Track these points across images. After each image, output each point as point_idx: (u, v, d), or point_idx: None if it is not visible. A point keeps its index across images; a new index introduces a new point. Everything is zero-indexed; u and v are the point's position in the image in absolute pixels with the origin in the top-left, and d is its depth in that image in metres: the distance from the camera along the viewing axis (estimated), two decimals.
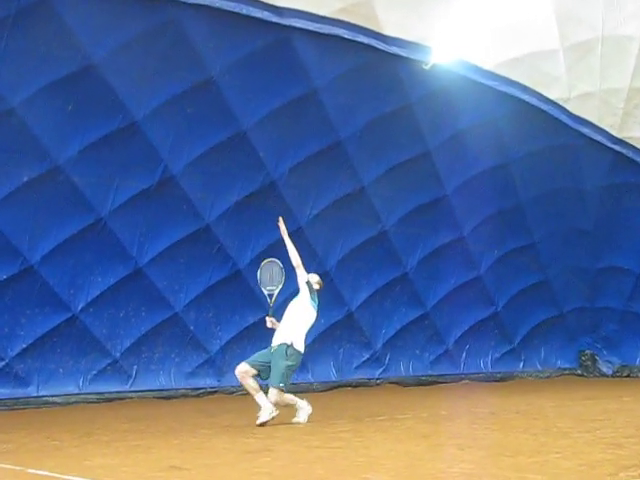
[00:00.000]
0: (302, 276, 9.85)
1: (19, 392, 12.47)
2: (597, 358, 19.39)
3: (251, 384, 9.46)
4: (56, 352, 12.80)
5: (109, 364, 13.36)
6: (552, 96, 14.49)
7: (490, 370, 18.25)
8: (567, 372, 19.41)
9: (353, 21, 12.37)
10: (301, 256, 9.91)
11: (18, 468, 6.70)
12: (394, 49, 12.92)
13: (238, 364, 9.62)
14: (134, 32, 11.30)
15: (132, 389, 13.60)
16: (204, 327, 14.28)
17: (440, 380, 17.29)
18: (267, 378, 9.51)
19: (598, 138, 15.36)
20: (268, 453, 7.33)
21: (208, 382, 14.44)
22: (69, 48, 10.95)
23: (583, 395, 14.28)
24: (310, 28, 12.16)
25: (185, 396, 14.03)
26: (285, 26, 12.02)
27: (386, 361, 16.71)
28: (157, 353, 13.91)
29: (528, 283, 18.00)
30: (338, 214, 14.80)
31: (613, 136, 15.38)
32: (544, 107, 14.58)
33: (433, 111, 14.17)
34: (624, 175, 16.26)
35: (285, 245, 9.97)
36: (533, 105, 14.50)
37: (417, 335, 17.03)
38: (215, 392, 14.39)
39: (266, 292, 10.01)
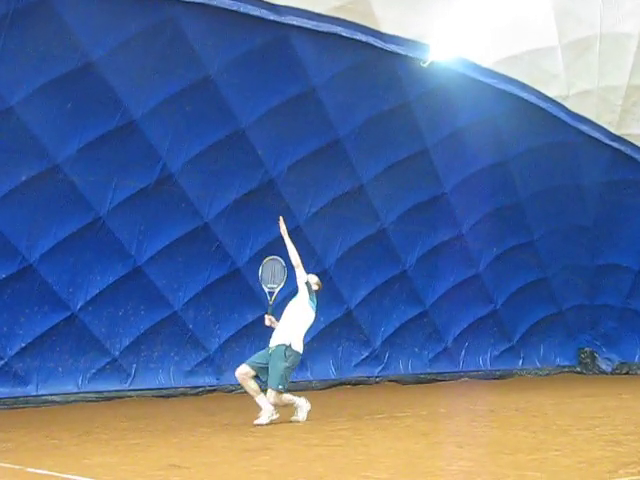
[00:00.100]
0: (301, 276, 9.81)
1: (18, 391, 12.47)
2: (596, 355, 19.40)
3: (252, 386, 9.44)
4: (55, 351, 12.80)
5: (108, 363, 13.36)
6: (551, 94, 14.49)
7: (489, 368, 18.26)
8: (566, 370, 19.42)
9: (350, 19, 12.37)
10: (300, 255, 9.90)
11: (17, 467, 6.70)
12: (392, 47, 12.92)
13: (238, 366, 9.61)
14: (132, 31, 11.30)
15: (131, 388, 13.60)
16: (203, 325, 14.28)
17: (439, 378, 17.30)
18: (266, 380, 9.46)
19: (596, 135, 15.38)
20: (267, 451, 7.33)
21: (207, 380, 14.44)
22: (67, 47, 10.95)
23: (582, 392, 14.28)
24: (307, 26, 12.16)
25: (184, 394, 14.03)
26: (283, 24, 12.02)
27: (385, 359, 16.72)
28: (156, 352, 13.91)
29: (527, 281, 18.01)
30: (337, 212, 14.80)
31: (611, 133, 15.39)
32: (543, 105, 14.59)
33: (431, 109, 14.17)
34: (622, 172, 16.27)
35: (285, 244, 9.96)
36: (532, 103, 14.51)
37: (416, 333, 17.04)
38: (214, 390, 14.40)
39: (267, 290, 9.96)
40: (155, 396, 13.68)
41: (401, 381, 16.76)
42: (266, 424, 9.18)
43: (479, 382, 17.43)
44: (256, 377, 9.51)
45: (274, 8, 11.81)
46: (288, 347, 9.46)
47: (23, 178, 11.66)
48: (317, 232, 14.71)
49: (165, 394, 13.80)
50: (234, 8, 11.56)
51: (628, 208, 16.98)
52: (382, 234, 15.63)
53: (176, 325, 13.98)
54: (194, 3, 11.30)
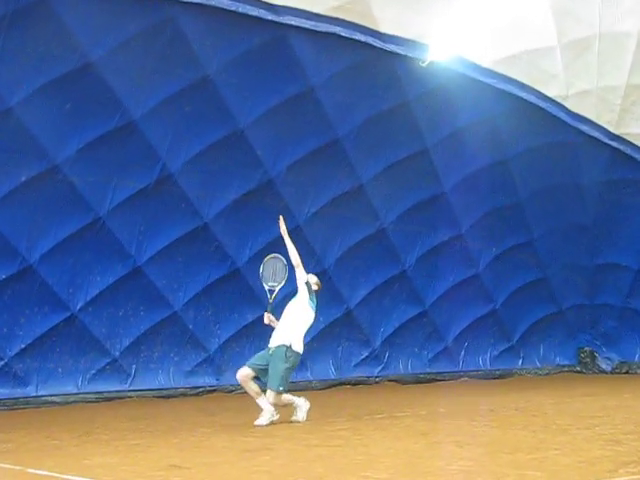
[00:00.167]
0: (301, 276, 9.80)
1: (18, 392, 12.46)
2: (596, 355, 19.40)
3: (253, 388, 9.44)
4: (55, 352, 12.80)
5: (108, 363, 13.35)
6: (550, 93, 14.50)
7: (489, 367, 18.26)
8: (566, 369, 19.42)
9: (349, 19, 12.37)
10: (300, 255, 9.89)
11: (18, 467, 6.71)
12: (391, 47, 12.92)
13: (238, 366, 9.61)
14: (132, 31, 11.29)
15: (131, 388, 13.59)
16: (203, 326, 14.28)
17: (439, 378, 17.30)
18: (266, 381, 9.44)
19: (596, 135, 15.39)
20: (267, 452, 7.33)
21: (207, 381, 14.44)
22: (67, 47, 10.94)
23: (582, 392, 14.29)
24: (306, 26, 12.16)
25: (184, 395, 14.03)
26: (281, 24, 12.02)
27: (385, 359, 16.72)
28: (156, 352, 13.91)
29: (527, 280, 18.01)
30: (336, 212, 14.80)
31: (611, 133, 15.39)
32: (542, 104, 14.60)
33: (431, 109, 14.17)
34: (622, 171, 16.28)
35: (285, 244, 9.95)
36: (531, 102, 14.51)
37: (416, 333, 17.04)
38: (214, 391, 14.40)
39: (267, 288, 9.93)
40: (155, 396, 13.68)
41: (401, 381, 16.76)
42: (266, 425, 9.18)
43: (479, 382, 17.44)
44: (256, 378, 9.51)
45: (272, 8, 11.81)
46: (289, 348, 9.45)
47: (23, 178, 11.66)
48: (317, 232, 14.70)
49: (165, 394, 13.80)
50: (232, 8, 11.56)
51: (627, 207, 16.99)
52: (382, 234, 15.63)
53: (176, 325, 13.98)
54: (192, 3, 11.30)
